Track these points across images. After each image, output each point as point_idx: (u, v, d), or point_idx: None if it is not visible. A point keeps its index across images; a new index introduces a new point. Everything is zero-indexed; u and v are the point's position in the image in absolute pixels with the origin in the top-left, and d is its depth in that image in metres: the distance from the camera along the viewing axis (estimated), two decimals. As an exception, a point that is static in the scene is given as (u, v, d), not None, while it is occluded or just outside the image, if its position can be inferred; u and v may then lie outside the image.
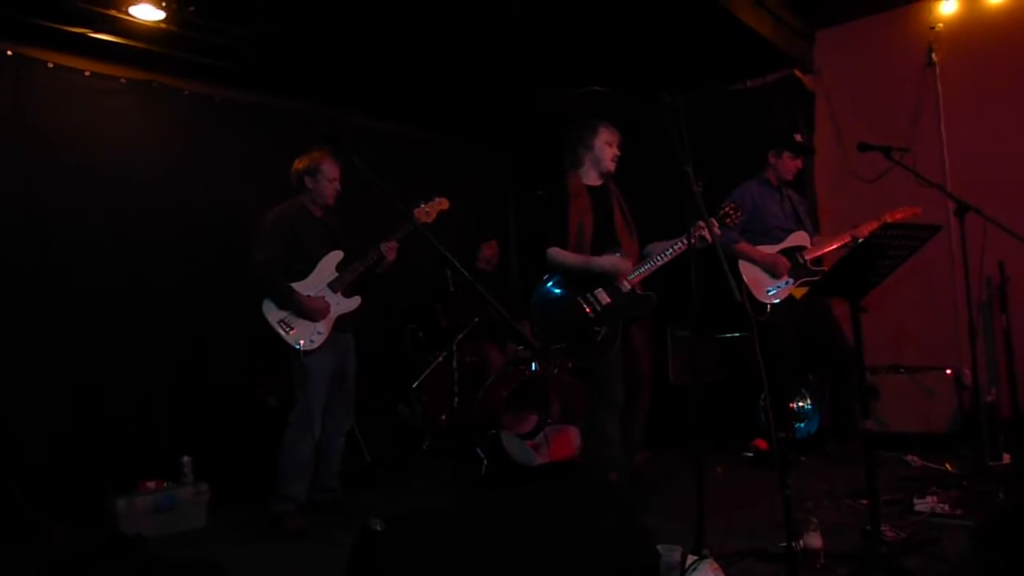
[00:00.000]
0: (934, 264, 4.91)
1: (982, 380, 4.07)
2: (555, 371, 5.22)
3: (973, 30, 5.03)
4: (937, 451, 4.24)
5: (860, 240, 3.65)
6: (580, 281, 3.54)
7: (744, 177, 4.58)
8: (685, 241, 3.31)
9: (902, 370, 4.87)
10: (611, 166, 3.70)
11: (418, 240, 3.86)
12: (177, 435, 4.40)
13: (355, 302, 3.92)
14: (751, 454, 4.62)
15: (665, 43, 5.04)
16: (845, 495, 3.50)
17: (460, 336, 4.98)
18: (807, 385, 4.84)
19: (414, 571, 2.08)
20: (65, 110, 4.30)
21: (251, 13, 4.22)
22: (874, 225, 4.02)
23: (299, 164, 3.92)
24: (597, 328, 3.49)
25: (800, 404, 4.84)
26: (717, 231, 3.37)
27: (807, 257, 4.41)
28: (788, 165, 4.54)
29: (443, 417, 5.19)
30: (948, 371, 4.70)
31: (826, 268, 4.38)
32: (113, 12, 4.01)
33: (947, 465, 4.01)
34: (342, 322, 3.86)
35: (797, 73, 5.48)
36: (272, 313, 3.72)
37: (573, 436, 4.81)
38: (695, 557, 2.44)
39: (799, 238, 4.48)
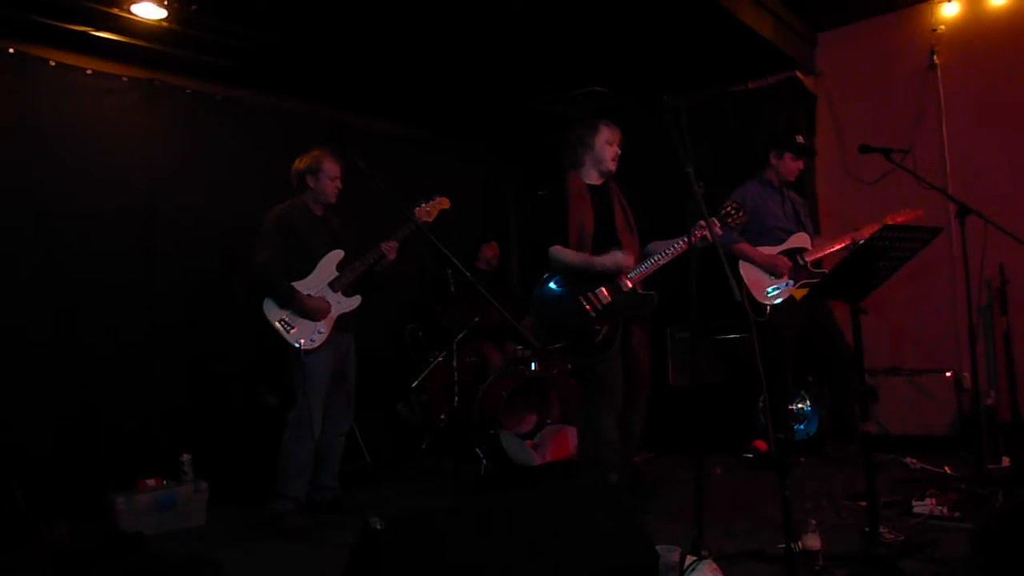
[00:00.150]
0: (934, 266, 4.91)
1: (982, 383, 4.06)
2: (555, 371, 5.24)
3: (975, 33, 5.02)
4: (936, 454, 4.23)
5: (861, 242, 3.64)
6: (581, 280, 3.53)
7: (745, 178, 4.58)
8: (685, 241, 3.30)
9: (902, 372, 4.86)
10: (612, 166, 3.67)
11: (419, 240, 3.88)
12: (177, 433, 4.41)
13: (355, 301, 3.93)
14: (750, 455, 4.63)
15: (667, 44, 5.04)
16: (844, 497, 3.50)
17: (460, 336, 4.98)
18: (806, 387, 4.85)
19: (413, 571, 2.08)
20: (67, 108, 4.29)
21: (253, 12, 4.22)
22: (875, 227, 4.00)
23: (300, 163, 3.92)
24: (598, 327, 3.48)
25: (799, 406, 4.84)
26: (718, 231, 3.37)
27: (808, 259, 4.41)
28: (789, 166, 4.53)
29: (442, 417, 5.19)
30: (948, 374, 4.70)
31: (826, 270, 4.38)
32: (115, 10, 4.01)
33: (946, 468, 3.99)
34: (342, 321, 3.86)
35: (799, 75, 5.48)
36: (273, 312, 3.72)
37: (572, 436, 4.81)
38: (694, 558, 2.44)
39: (800, 239, 4.48)
